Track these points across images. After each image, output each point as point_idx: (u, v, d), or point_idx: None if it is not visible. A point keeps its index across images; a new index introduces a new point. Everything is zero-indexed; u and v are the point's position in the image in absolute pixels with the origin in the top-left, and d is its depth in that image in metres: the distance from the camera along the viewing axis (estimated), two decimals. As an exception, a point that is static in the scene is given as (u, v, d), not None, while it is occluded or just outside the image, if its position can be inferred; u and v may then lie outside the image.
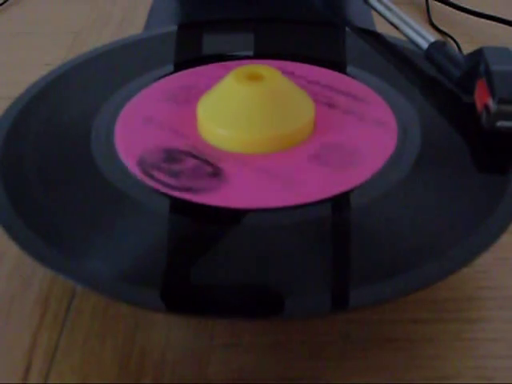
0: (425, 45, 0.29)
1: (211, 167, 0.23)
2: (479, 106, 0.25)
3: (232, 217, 0.21)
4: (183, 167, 0.23)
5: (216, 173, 0.23)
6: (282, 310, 0.18)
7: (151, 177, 0.23)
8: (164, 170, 0.23)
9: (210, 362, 0.21)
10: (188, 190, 0.22)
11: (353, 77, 0.28)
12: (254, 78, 0.25)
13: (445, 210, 0.21)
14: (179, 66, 0.30)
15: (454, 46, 0.38)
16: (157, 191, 0.22)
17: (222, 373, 0.20)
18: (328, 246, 0.20)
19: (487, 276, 0.23)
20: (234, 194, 0.22)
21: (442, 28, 0.40)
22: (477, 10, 0.42)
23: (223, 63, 0.30)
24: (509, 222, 0.20)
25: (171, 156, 0.24)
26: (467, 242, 0.20)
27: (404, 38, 0.38)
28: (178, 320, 0.22)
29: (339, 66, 0.29)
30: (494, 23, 0.40)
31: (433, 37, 0.29)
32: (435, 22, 0.41)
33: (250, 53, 0.31)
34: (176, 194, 0.22)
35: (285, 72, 0.29)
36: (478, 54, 0.26)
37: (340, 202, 0.22)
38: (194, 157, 0.24)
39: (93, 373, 0.20)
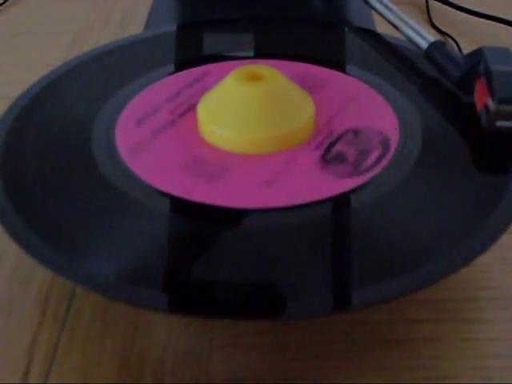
0: (424, 45, 0.29)
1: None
2: (479, 105, 0.25)
3: (232, 217, 0.21)
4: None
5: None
6: (282, 310, 0.18)
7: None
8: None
9: (210, 362, 0.21)
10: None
11: (353, 76, 0.28)
12: (254, 77, 0.25)
13: (445, 210, 0.21)
14: (179, 66, 0.30)
15: (454, 46, 0.38)
16: (157, 191, 0.22)
17: (222, 373, 0.20)
18: (328, 247, 0.20)
19: (487, 276, 0.23)
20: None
21: (441, 28, 0.40)
22: (477, 10, 0.42)
23: (223, 63, 0.30)
24: (509, 222, 0.20)
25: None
26: (467, 242, 0.20)
27: (404, 38, 0.38)
28: (177, 320, 0.22)
29: (339, 66, 0.29)
30: (494, 23, 0.40)
31: (432, 37, 0.29)
32: (435, 22, 0.41)
33: (250, 53, 0.31)
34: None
35: (285, 72, 0.29)
36: (478, 54, 0.26)
37: (340, 203, 0.22)
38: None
39: (93, 373, 0.20)
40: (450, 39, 0.38)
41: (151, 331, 0.22)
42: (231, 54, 0.30)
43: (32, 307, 0.22)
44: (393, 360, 0.20)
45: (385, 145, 0.24)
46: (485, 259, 0.24)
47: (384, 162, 0.23)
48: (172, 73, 0.29)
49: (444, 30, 0.40)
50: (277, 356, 0.21)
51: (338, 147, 0.24)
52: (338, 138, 0.24)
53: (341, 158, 0.23)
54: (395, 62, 0.29)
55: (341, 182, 0.22)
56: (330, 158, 0.23)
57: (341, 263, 0.19)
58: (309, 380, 0.20)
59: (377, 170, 0.23)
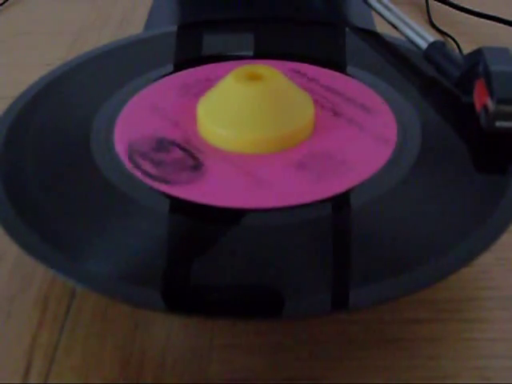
0: (424, 45, 0.29)
1: (193, 161, 0.23)
2: (478, 106, 0.25)
3: (231, 217, 0.21)
4: (167, 158, 0.23)
5: (196, 167, 0.23)
6: (282, 310, 0.18)
7: (135, 164, 0.23)
8: (149, 158, 0.23)
9: (211, 362, 0.21)
10: (165, 181, 0.22)
11: (352, 77, 0.28)
12: (254, 77, 0.25)
13: (445, 210, 0.21)
14: (179, 66, 0.30)
15: (454, 46, 0.38)
16: (157, 191, 0.22)
17: (222, 373, 0.20)
18: (328, 247, 0.20)
19: (487, 276, 0.23)
20: (207, 189, 0.22)
21: (442, 28, 0.40)
22: (477, 10, 0.42)
23: (223, 63, 0.30)
24: (509, 222, 0.20)
25: (161, 146, 0.24)
26: (467, 242, 0.20)
27: (404, 38, 0.38)
28: (177, 320, 0.22)
29: (339, 66, 0.29)
30: (493, 23, 0.40)
31: (432, 37, 0.29)
32: (435, 22, 0.41)
33: (250, 53, 0.31)
34: (153, 184, 0.22)
35: (284, 71, 0.29)
36: (477, 54, 0.26)
37: (340, 202, 0.22)
38: (182, 149, 0.24)
39: (93, 373, 0.20)
40: (450, 39, 0.38)
41: (151, 331, 0.22)
42: (231, 54, 0.30)
43: (32, 307, 0.22)
44: (393, 360, 0.20)
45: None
46: (485, 259, 0.24)
47: (383, 163, 0.23)
48: (172, 73, 0.29)
49: (444, 30, 0.40)
50: (277, 356, 0.21)
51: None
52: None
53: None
54: (395, 62, 0.29)
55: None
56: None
57: (341, 263, 0.19)
58: (309, 380, 0.20)
59: (376, 170, 0.23)
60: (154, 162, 0.24)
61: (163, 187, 0.22)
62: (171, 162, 0.23)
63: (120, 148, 0.24)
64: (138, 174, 0.23)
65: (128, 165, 0.23)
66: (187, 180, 0.23)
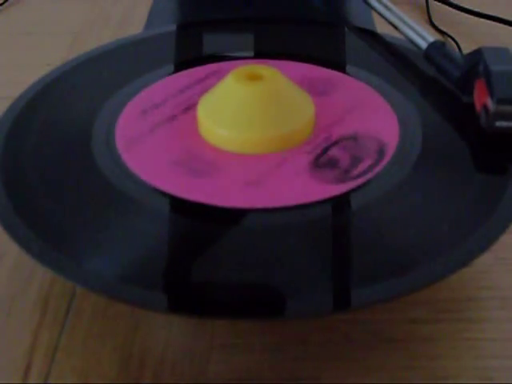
0: (424, 45, 0.29)
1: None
2: (478, 106, 0.25)
3: (232, 217, 0.21)
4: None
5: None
6: (282, 310, 0.18)
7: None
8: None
9: (210, 362, 0.21)
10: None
11: (353, 77, 0.28)
12: (254, 77, 0.25)
13: (445, 210, 0.21)
14: (179, 66, 0.30)
15: (454, 45, 0.38)
16: (157, 190, 0.22)
17: (222, 373, 0.20)
18: (328, 247, 0.20)
19: (487, 276, 0.23)
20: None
21: (442, 28, 0.40)
22: (477, 10, 0.42)
23: (223, 63, 0.30)
24: (509, 221, 0.20)
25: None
26: (467, 241, 0.20)
27: (404, 38, 0.38)
28: (178, 320, 0.22)
29: (339, 66, 0.29)
30: (494, 23, 0.40)
31: (432, 37, 0.29)
32: (435, 22, 0.41)
33: (250, 53, 0.31)
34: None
35: (284, 71, 0.29)
36: (477, 54, 0.26)
37: (341, 202, 0.22)
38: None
39: (93, 373, 0.20)
40: (450, 39, 0.38)
41: (151, 331, 0.22)
42: (231, 54, 0.30)
43: (32, 307, 0.22)
44: (393, 360, 0.20)
45: (381, 151, 0.24)
46: (485, 259, 0.24)
47: (377, 169, 0.23)
48: (172, 73, 0.29)
49: (444, 30, 0.40)
50: (277, 356, 0.21)
51: (332, 152, 0.24)
52: (334, 143, 0.24)
53: (332, 164, 0.23)
54: (395, 62, 0.29)
55: (327, 187, 0.22)
56: (321, 162, 0.23)
57: (340, 263, 0.19)
58: (309, 380, 0.20)
59: (376, 170, 0.23)
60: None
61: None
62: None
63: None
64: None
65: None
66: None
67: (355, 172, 0.23)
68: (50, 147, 0.25)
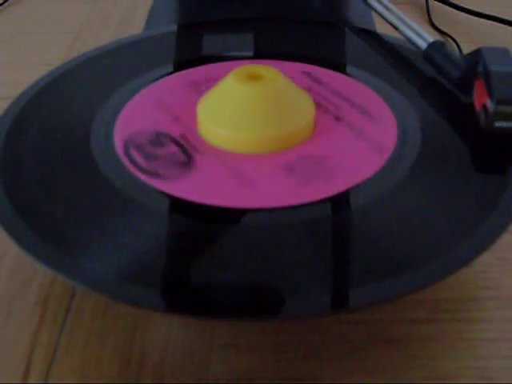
0: (424, 45, 0.29)
1: (185, 157, 0.23)
2: (478, 106, 0.25)
3: (233, 217, 0.21)
4: (161, 152, 0.24)
5: (187, 163, 0.23)
6: (281, 310, 0.18)
7: (129, 157, 0.23)
8: (143, 152, 0.24)
9: (210, 362, 0.21)
10: (154, 175, 0.23)
11: (352, 77, 0.28)
12: (254, 77, 0.25)
13: (445, 210, 0.21)
14: (179, 66, 0.30)
15: (454, 46, 0.38)
16: (157, 191, 0.22)
17: (222, 373, 0.20)
18: (328, 247, 0.20)
19: (487, 276, 0.23)
20: (193, 186, 0.22)
21: (442, 28, 0.40)
22: (477, 9, 0.42)
23: (223, 63, 0.30)
24: (509, 221, 0.20)
25: (157, 140, 0.24)
26: (467, 242, 0.20)
27: (404, 38, 0.38)
28: (177, 320, 0.22)
29: (339, 66, 0.29)
30: (494, 23, 0.40)
31: (432, 37, 0.29)
32: (435, 22, 0.41)
33: (250, 53, 0.31)
34: (143, 177, 0.23)
35: (285, 72, 0.29)
36: (477, 55, 0.26)
37: (340, 201, 0.22)
38: (178, 145, 0.24)
39: (93, 373, 0.20)
40: (450, 39, 0.38)
41: (151, 331, 0.22)
42: (231, 54, 0.30)
43: (32, 307, 0.22)
44: (393, 360, 0.20)
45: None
46: (485, 259, 0.24)
47: (383, 163, 0.23)
48: (171, 73, 0.29)
49: (444, 30, 0.40)
50: (276, 356, 0.21)
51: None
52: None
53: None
54: (395, 63, 0.29)
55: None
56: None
57: (340, 263, 0.19)
58: (309, 380, 0.20)
59: (376, 170, 0.23)
60: (146, 155, 0.24)
61: (155, 183, 0.22)
62: (163, 157, 0.23)
63: (120, 147, 0.24)
64: (130, 167, 0.23)
65: (122, 157, 0.23)
66: (176, 176, 0.23)
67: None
68: (49, 147, 0.25)
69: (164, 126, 0.25)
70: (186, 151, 0.24)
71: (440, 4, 0.43)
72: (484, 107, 0.24)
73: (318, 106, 0.26)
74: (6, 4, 0.45)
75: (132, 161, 0.24)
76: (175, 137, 0.25)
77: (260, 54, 0.30)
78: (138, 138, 0.25)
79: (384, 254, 0.20)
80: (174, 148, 0.24)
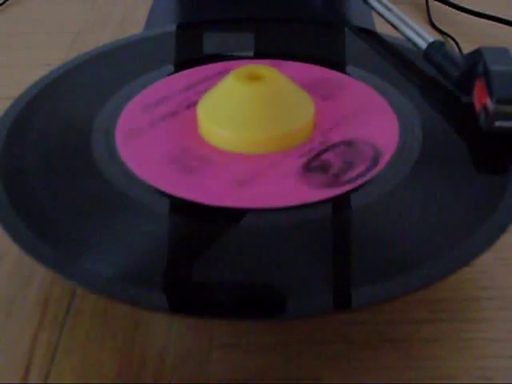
0: (423, 45, 0.29)
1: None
2: (478, 106, 0.25)
3: (233, 217, 0.21)
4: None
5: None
6: (282, 310, 0.18)
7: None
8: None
9: (210, 362, 0.21)
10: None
11: (352, 77, 0.28)
12: (254, 77, 0.25)
13: (445, 210, 0.21)
14: (179, 66, 0.30)
15: (454, 45, 0.38)
16: (157, 190, 0.22)
17: (222, 373, 0.20)
18: (328, 247, 0.20)
19: (487, 276, 0.23)
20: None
21: (442, 28, 0.40)
22: (477, 9, 0.42)
23: (223, 63, 0.30)
24: (509, 221, 0.20)
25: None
26: (467, 241, 0.20)
27: (404, 38, 0.38)
28: (177, 320, 0.22)
29: (339, 66, 0.29)
30: (493, 23, 0.40)
31: (431, 37, 0.29)
32: (435, 22, 0.41)
33: (250, 53, 0.31)
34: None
35: (284, 72, 0.29)
36: (477, 54, 0.26)
37: (341, 202, 0.22)
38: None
39: (93, 373, 0.20)
40: (450, 39, 0.38)
41: (151, 331, 0.22)
42: (231, 54, 0.30)
43: (32, 307, 0.22)
44: (393, 360, 0.20)
45: (378, 152, 0.24)
46: (485, 259, 0.24)
47: (384, 163, 0.23)
48: (171, 73, 0.29)
49: (444, 30, 0.40)
50: (277, 356, 0.21)
51: (326, 156, 0.24)
52: (330, 147, 0.24)
53: (324, 168, 0.23)
54: (395, 62, 0.29)
55: (315, 191, 0.22)
56: (313, 166, 0.23)
57: (340, 263, 0.19)
58: (309, 380, 0.20)
59: (376, 170, 0.23)
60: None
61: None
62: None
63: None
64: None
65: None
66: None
67: (346, 177, 0.23)
68: (49, 147, 0.25)
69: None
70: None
71: (440, 4, 0.43)
72: (484, 107, 0.24)
73: (317, 106, 0.26)
74: (6, 4, 0.45)
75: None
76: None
77: (260, 54, 0.30)
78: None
79: (384, 254, 0.20)
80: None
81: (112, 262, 0.20)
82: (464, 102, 0.27)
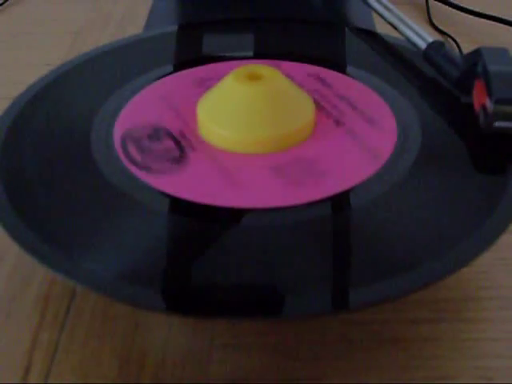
0: (423, 45, 0.29)
1: (179, 153, 0.23)
2: (477, 106, 0.25)
3: (234, 217, 0.21)
4: (156, 147, 0.24)
5: (180, 159, 0.23)
6: (282, 310, 0.18)
7: (125, 149, 0.24)
8: (138, 145, 0.24)
9: (210, 362, 0.21)
10: (146, 169, 0.23)
11: (352, 77, 0.28)
12: (254, 77, 0.25)
13: (445, 210, 0.21)
14: (179, 66, 0.30)
15: (454, 46, 0.38)
16: (158, 191, 0.22)
17: (221, 373, 0.20)
18: (328, 247, 0.20)
19: (487, 276, 0.23)
20: (183, 183, 0.22)
21: (441, 28, 0.40)
22: (477, 9, 0.42)
23: (223, 63, 0.30)
24: (509, 221, 0.20)
25: (155, 135, 0.25)
26: (467, 242, 0.20)
27: (403, 38, 0.38)
28: (177, 320, 0.22)
29: (338, 66, 0.29)
30: (493, 23, 0.40)
31: (431, 37, 0.29)
32: (435, 22, 0.41)
33: (250, 53, 0.31)
34: (135, 171, 0.23)
35: (284, 72, 0.29)
36: (476, 55, 0.26)
37: (340, 201, 0.22)
38: (175, 141, 0.24)
39: (93, 373, 0.20)
40: (450, 39, 0.38)
41: (151, 331, 0.22)
42: (231, 54, 0.30)
43: (32, 307, 0.22)
44: (393, 360, 0.20)
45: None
46: (485, 259, 0.24)
47: (383, 163, 0.23)
48: (171, 73, 0.29)
49: (444, 30, 0.40)
50: (277, 356, 0.21)
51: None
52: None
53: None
54: (394, 62, 0.29)
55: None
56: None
57: (340, 263, 0.19)
58: (309, 380, 0.20)
59: (376, 170, 0.23)
60: (141, 149, 0.24)
61: (149, 179, 0.22)
62: (157, 151, 0.24)
63: (120, 147, 0.24)
64: (126, 162, 0.23)
65: (120, 154, 0.23)
66: (167, 171, 0.23)
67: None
68: (49, 147, 0.25)
69: (163, 124, 0.25)
70: (182, 148, 0.24)
71: (440, 4, 0.43)
72: (483, 107, 0.24)
73: (317, 106, 0.26)
74: (6, 4, 0.45)
75: (127, 156, 0.24)
76: (174, 133, 0.25)
77: (260, 54, 0.30)
78: (136, 133, 0.25)
79: (384, 254, 0.20)
80: (170, 144, 0.24)
81: (112, 261, 0.20)
82: (463, 102, 0.27)
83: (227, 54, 0.30)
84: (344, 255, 0.20)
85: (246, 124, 0.24)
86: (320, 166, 0.23)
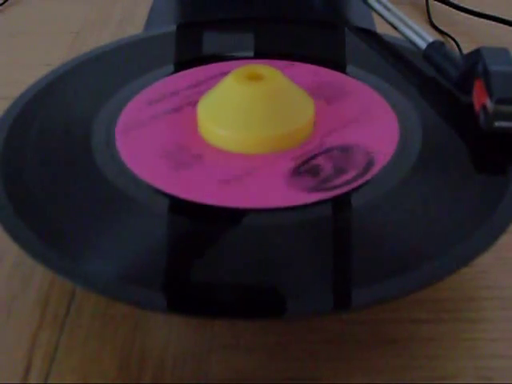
0: (423, 45, 0.29)
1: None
2: (477, 106, 0.25)
3: (234, 217, 0.21)
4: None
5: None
6: (282, 310, 0.18)
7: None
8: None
9: (210, 362, 0.21)
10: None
11: (352, 77, 0.28)
12: (254, 77, 0.25)
13: (445, 210, 0.21)
14: (179, 66, 0.30)
15: (454, 46, 0.38)
16: (158, 191, 0.22)
17: (222, 373, 0.20)
18: (328, 247, 0.20)
19: (487, 276, 0.23)
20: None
21: (441, 28, 0.40)
22: (477, 9, 0.42)
23: (223, 63, 0.30)
24: (509, 221, 0.20)
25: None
26: (467, 241, 0.20)
27: (404, 38, 0.38)
28: (177, 320, 0.22)
29: (339, 66, 0.29)
30: (493, 23, 0.40)
31: (431, 37, 0.29)
32: (435, 22, 0.41)
33: (250, 53, 0.31)
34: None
35: (285, 72, 0.29)
36: (476, 55, 0.26)
37: (340, 202, 0.22)
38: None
39: (93, 373, 0.20)
40: (449, 39, 0.38)
41: (151, 331, 0.22)
42: (231, 54, 0.30)
43: (32, 307, 0.22)
44: (393, 360, 0.20)
45: (384, 145, 0.24)
46: (485, 259, 0.24)
47: (384, 163, 0.23)
48: (171, 73, 0.29)
49: (444, 30, 0.40)
50: (276, 356, 0.21)
51: (318, 160, 0.23)
52: (325, 150, 0.24)
53: (313, 172, 0.23)
54: (395, 62, 0.29)
55: (303, 194, 0.22)
56: (303, 169, 0.23)
57: (340, 263, 0.19)
58: (309, 380, 0.20)
59: (376, 170, 0.23)
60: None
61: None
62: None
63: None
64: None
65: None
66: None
67: (336, 182, 0.22)
68: (49, 147, 0.25)
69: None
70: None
71: (440, 4, 0.43)
72: (484, 107, 0.24)
73: (317, 106, 0.26)
74: (6, 4, 0.45)
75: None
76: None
77: (260, 54, 0.30)
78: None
79: (384, 254, 0.20)
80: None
81: (112, 261, 0.20)
82: (463, 102, 0.27)
83: (227, 54, 0.30)
84: (344, 255, 0.20)
85: (246, 124, 0.24)
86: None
